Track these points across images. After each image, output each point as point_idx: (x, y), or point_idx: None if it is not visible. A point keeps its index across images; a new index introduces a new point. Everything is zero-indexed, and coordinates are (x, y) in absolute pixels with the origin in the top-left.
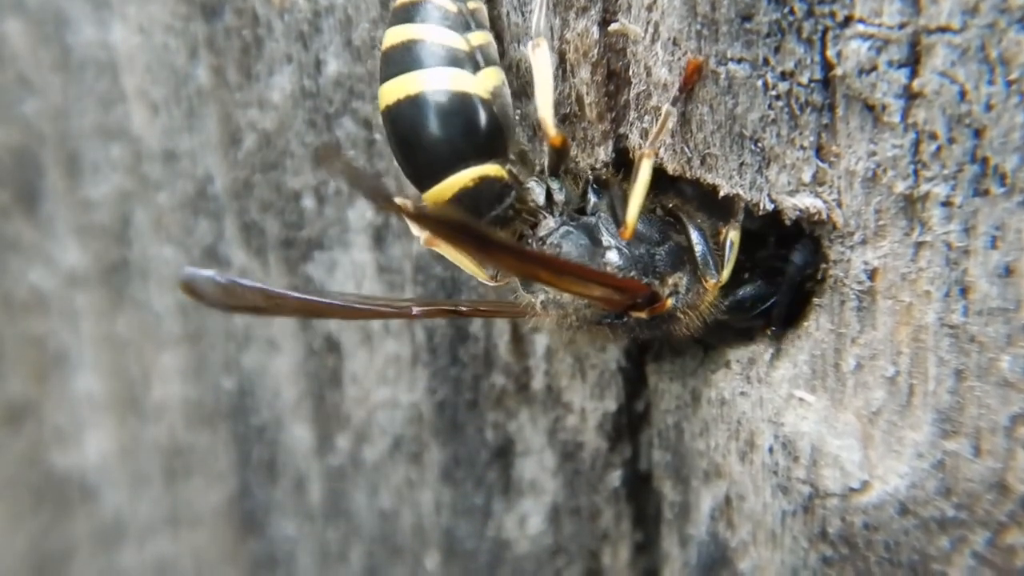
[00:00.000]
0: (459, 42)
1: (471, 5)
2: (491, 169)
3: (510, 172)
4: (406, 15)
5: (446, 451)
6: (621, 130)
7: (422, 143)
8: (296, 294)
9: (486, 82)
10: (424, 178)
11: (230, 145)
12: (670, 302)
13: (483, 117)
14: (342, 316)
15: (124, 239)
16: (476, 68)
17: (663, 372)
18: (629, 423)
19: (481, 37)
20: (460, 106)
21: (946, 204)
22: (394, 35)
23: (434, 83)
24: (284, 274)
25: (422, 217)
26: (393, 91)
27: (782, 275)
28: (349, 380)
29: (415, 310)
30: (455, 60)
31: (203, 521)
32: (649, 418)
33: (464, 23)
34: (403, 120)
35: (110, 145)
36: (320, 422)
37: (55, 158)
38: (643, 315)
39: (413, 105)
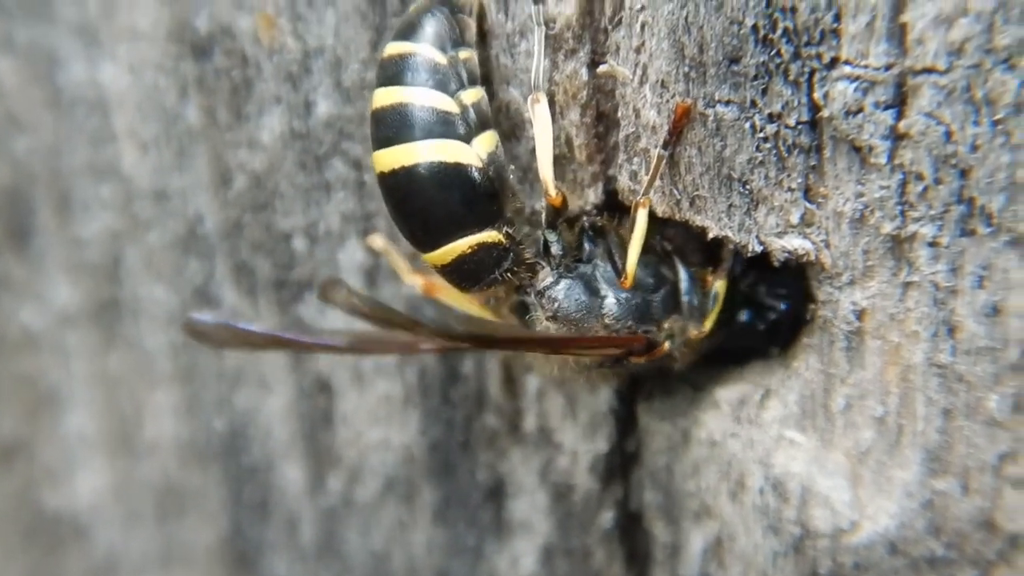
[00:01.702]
0: (450, 104)
1: (462, 55)
2: (488, 236)
3: (507, 234)
4: (395, 71)
5: (438, 492)
6: (611, 172)
7: (418, 213)
8: (308, 339)
9: (480, 149)
10: (422, 244)
11: (220, 185)
12: (667, 345)
13: (479, 188)
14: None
15: (115, 278)
16: (470, 133)
17: (653, 413)
18: (621, 464)
19: (473, 94)
20: (455, 179)
21: (933, 244)
22: (384, 96)
23: (428, 155)
24: (275, 315)
25: (430, 333)
26: (387, 160)
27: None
28: (340, 421)
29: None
30: (448, 127)
31: (196, 560)
32: (640, 458)
33: (456, 77)
34: (398, 190)
35: (101, 184)
36: (312, 462)
37: (46, 196)
38: (641, 360)
39: (408, 177)
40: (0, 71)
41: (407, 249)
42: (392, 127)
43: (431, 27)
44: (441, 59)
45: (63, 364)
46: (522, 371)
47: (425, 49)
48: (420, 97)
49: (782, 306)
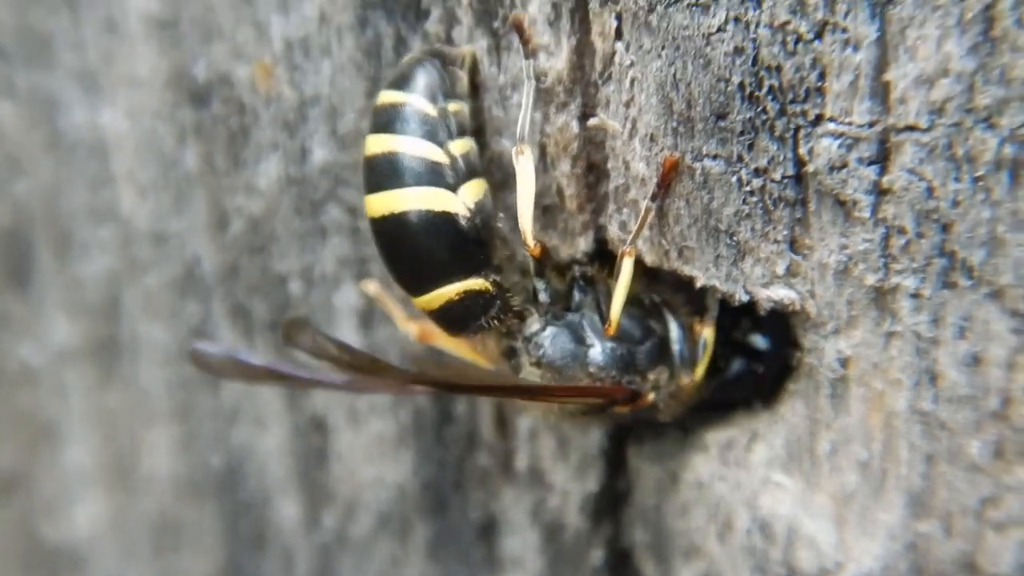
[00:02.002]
0: (439, 154)
1: (452, 107)
2: (475, 283)
3: (494, 282)
4: (387, 120)
5: (431, 529)
6: (601, 220)
7: (406, 258)
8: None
9: (467, 198)
10: (411, 288)
11: (218, 228)
12: (651, 396)
13: (465, 236)
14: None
15: (113, 317)
16: (457, 182)
17: (643, 455)
18: (611, 503)
19: (462, 145)
20: (442, 227)
21: (915, 296)
22: (375, 143)
23: (416, 203)
24: (271, 356)
25: (394, 377)
26: (377, 206)
27: (756, 353)
28: (335, 458)
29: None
30: (436, 176)
31: None
32: (630, 498)
33: (445, 127)
34: (388, 236)
35: (100, 226)
36: (307, 498)
37: (46, 237)
38: (625, 410)
39: (397, 224)
40: (1, 115)
41: (401, 294)
42: (382, 173)
43: (422, 79)
44: (431, 110)
45: (62, 400)
46: (514, 412)
47: (416, 100)
48: (410, 146)
49: (766, 345)
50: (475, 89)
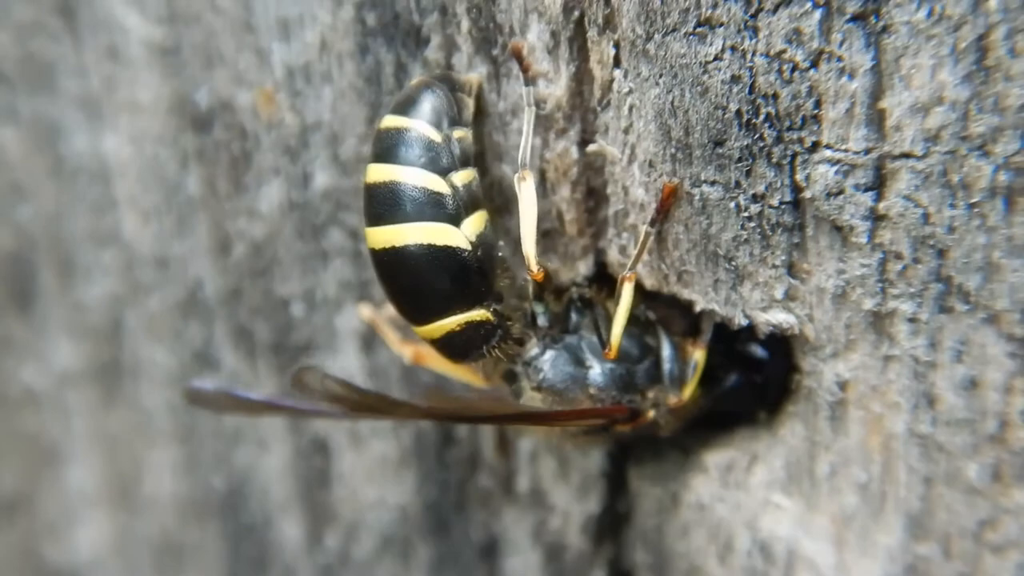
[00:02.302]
0: (441, 185)
1: (457, 133)
2: (476, 314)
3: (495, 311)
4: (390, 145)
5: (433, 550)
6: (601, 244)
7: (408, 290)
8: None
9: (470, 231)
10: (412, 319)
11: (220, 252)
12: (651, 413)
13: (467, 269)
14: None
15: (116, 340)
16: (460, 213)
17: (644, 476)
18: (612, 523)
19: (465, 176)
20: (444, 261)
21: (912, 320)
22: (377, 172)
23: (418, 238)
24: (274, 377)
25: (406, 414)
26: (378, 239)
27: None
28: (337, 479)
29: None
30: (438, 209)
31: None
32: (631, 519)
33: (449, 155)
34: (388, 267)
35: (102, 250)
36: (309, 519)
37: (49, 261)
38: (626, 428)
39: (398, 256)
40: (4, 141)
41: (398, 317)
42: (384, 205)
43: (428, 103)
44: (435, 136)
45: (64, 422)
46: (515, 434)
47: (420, 125)
48: (412, 177)
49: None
50: (477, 115)
